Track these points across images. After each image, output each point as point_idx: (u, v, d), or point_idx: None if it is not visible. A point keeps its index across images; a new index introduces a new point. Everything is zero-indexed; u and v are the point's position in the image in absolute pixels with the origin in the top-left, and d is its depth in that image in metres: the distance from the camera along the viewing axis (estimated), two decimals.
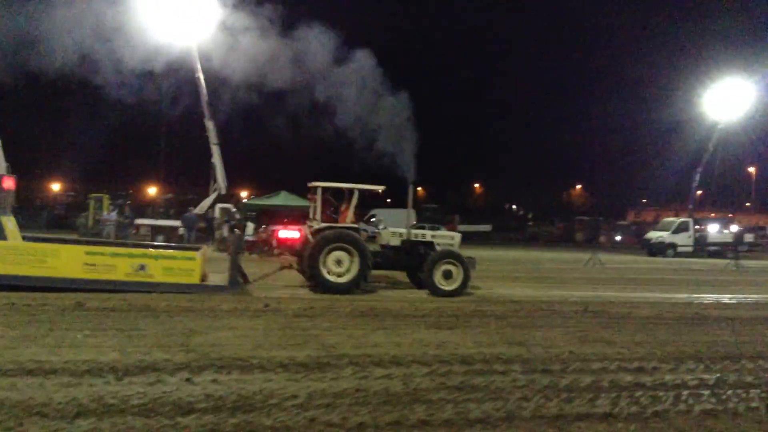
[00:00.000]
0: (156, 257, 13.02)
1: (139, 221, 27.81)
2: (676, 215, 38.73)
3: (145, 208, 38.11)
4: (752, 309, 13.81)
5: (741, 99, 34.18)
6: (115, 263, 12.66)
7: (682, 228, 34.19)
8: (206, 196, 29.07)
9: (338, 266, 13.94)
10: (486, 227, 46.47)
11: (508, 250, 34.68)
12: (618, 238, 45.01)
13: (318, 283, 13.93)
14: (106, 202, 29.30)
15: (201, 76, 25.35)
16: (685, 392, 6.89)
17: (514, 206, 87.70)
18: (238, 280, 13.45)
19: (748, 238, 37.94)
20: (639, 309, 12.89)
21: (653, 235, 35.12)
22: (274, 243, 21.46)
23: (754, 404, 6.58)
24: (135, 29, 16.91)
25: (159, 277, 12.66)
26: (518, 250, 35.38)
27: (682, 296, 15.68)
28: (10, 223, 13.18)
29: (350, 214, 14.84)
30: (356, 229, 14.48)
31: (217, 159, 27.99)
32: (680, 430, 5.74)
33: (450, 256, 14.80)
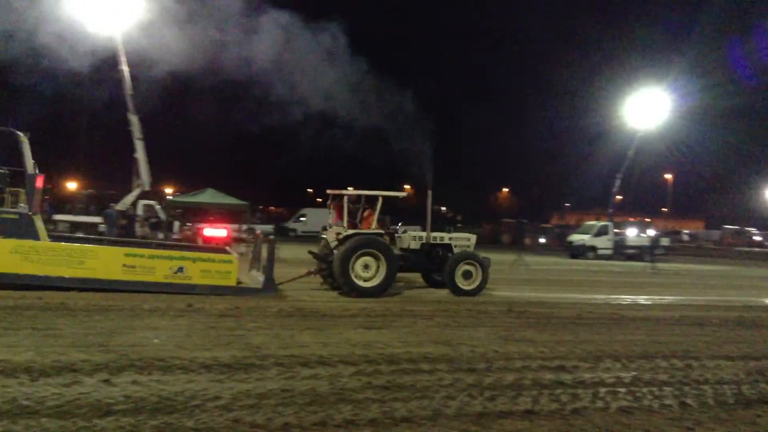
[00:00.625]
0: (194, 259, 13.10)
1: (58, 217, 26.73)
2: (597, 219, 40.03)
3: (65, 204, 36.64)
4: (667, 310, 14.39)
5: (658, 108, 35.70)
6: (154, 265, 12.71)
7: (602, 231, 35.41)
8: (129, 192, 28.20)
9: (366, 271, 14.27)
10: (415, 228, 46.95)
11: None
12: (542, 240, 46.26)
13: (348, 288, 14.06)
14: (23, 196, 27.99)
15: (125, 68, 24.54)
16: (603, 390, 7.11)
17: (443, 208, 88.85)
18: (273, 282, 13.53)
19: (664, 242, 39.71)
20: (561, 309, 13.27)
21: (575, 238, 36.24)
22: (200, 241, 21.05)
23: (667, 401, 6.83)
24: (56, 17, 16.26)
25: (196, 279, 12.81)
26: None
27: (602, 297, 16.21)
28: (39, 222, 12.93)
29: (375, 220, 15.15)
30: (381, 235, 14.87)
31: (140, 154, 27.14)
32: (598, 427, 5.91)
33: (469, 257, 15.61)
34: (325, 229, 16.44)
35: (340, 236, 14.56)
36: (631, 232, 36.71)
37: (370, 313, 11.39)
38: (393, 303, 12.64)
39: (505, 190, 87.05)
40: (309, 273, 15.35)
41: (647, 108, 35.46)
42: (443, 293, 15.10)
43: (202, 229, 20.95)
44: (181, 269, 12.79)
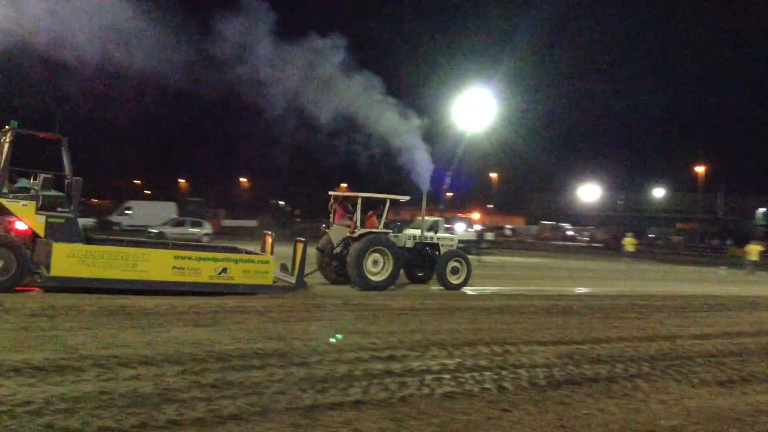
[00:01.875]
0: (236, 261, 13.73)
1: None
2: (430, 215, 41.58)
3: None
4: (490, 299, 15.27)
5: (485, 111, 37.68)
6: (200, 267, 13.25)
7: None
8: None
9: (375, 266, 15.79)
10: (252, 222, 46.19)
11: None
12: None
13: (361, 282, 15.50)
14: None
15: None
16: (429, 377, 7.39)
17: (281, 202, 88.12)
18: (304, 279, 14.58)
19: (489, 236, 42.12)
20: (393, 301, 13.63)
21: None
22: None
23: (487, 385, 7.24)
24: None
25: (238, 279, 13.46)
26: (285, 245, 35.47)
27: (432, 289, 16.84)
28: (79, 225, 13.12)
29: (382, 221, 16.90)
30: (387, 234, 16.63)
31: None
32: (423, 413, 6.13)
33: (456, 255, 17.53)
34: (327, 226, 17.64)
35: (355, 234, 16.07)
36: (460, 227, 38.52)
37: (201, 310, 11.01)
38: (226, 299, 12.30)
39: (344, 185, 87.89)
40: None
41: (475, 110, 37.30)
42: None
43: None
44: (225, 270, 13.43)
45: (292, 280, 14.51)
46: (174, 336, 8.81)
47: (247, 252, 14.98)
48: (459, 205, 63.06)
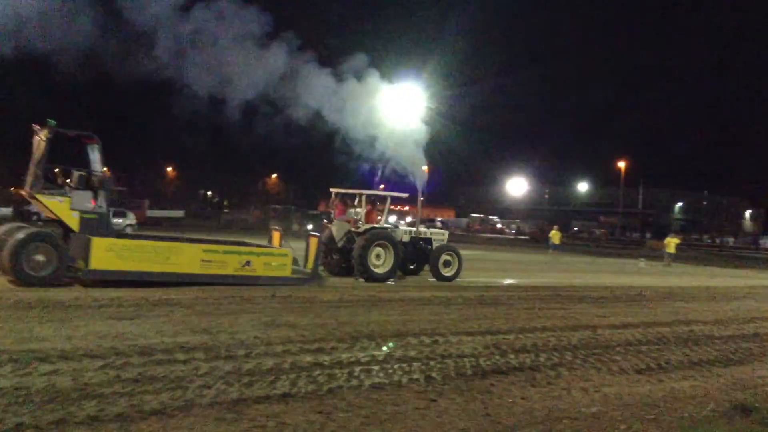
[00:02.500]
0: (258, 254, 14.68)
1: None
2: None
3: None
4: (419, 290, 15.39)
5: (416, 105, 37.88)
6: (226, 260, 13.97)
7: None
8: None
9: (377, 260, 16.76)
10: (178, 213, 45.20)
11: (201, 236, 34.03)
12: (310, 226, 46.94)
13: (365, 274, 16.53)
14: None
15: None
16: (358, 368, 7.40)
17: (209, 192, 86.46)
18: (319, 271, 15.84)
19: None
20: (324, 293, 13.58)
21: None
22: None
23: (415, 376, 7.30)
24: None
25: (260, 271, 14.29)
26: (213, 236, 34.84)
27: (362, 280, 16.84)
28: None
29: (384, 217, 18.17)
30: (388, 229, 17.69)
31: None
32: (351, 404, 6.13)
33: (448, 248, 18.68)
34: (329, 221, 18.95)
35: (360, 229, 17.13)
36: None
37: (123, 302, 10.68)
38: (150, 292, 11.96)
39: (274, 175, 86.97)
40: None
41: (406, 104, 37.46)
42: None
43: None
44: (248, 263, 14.19)
45: (306, 272, 15.55)
46: (95, 329, 8.52)
47: (266, 246, 16.10)
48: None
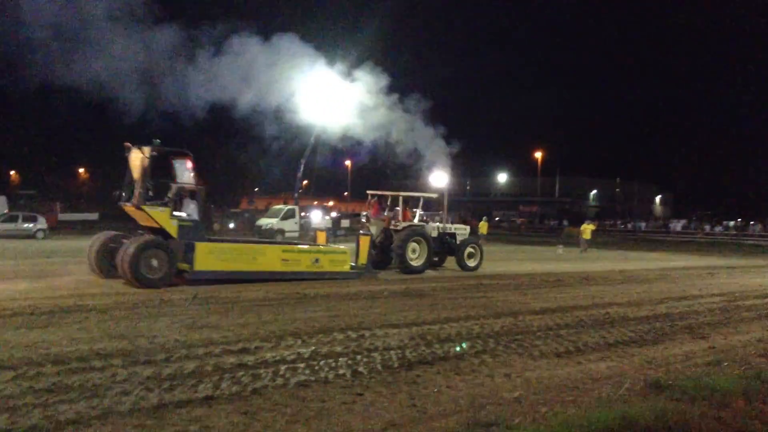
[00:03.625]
0: (324, 252, 16.76)
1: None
2: (285, 203, 41.26)
3: None
4: (344, 286, 15.32)
5: (338, 99, 37.76)
6: (300, 258, 16.14)
7: (289, 215, 36.60)
8: None
9: (413, 254, 18.94)
10: (93, 215, 43.60)
11: None
12: (231, 225, 46.14)
13: (403, 267, 18.74)
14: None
15: None
16: (284, 367, 7.31)
17: (124, 193, 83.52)
18: (371, 267, 17.90)
19: (345, 223, 42.51)
20: (247, 292, 13.35)
21: (263, 221, 36.90)
22: None
23: (342, 371, 7.28)
24: None
25: (326, 267, 16.40)
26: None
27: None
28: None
29: (417, 215, 20.19)
30: (423, 226, 19.73)
31: None
32: (276, 404, 6.05)
33: (471, 242, 21.03)
34: (367, 220, 20.77)
35: (398, 226, 19.29)
36: (316, 215, 38.56)
37: (35, 310, 10.21)
38: (63, 298, 11.49)
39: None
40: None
41: (328, 99, 37.27)
42: (122, 285, 14.15)
43: None
44: (317, 260, 16.33)
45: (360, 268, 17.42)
46: (5, 339, 8.14)
47: (329, 246, 18.19)
48: (315, 193, 63.02)
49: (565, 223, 70.81)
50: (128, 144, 14.74)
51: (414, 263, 18.88)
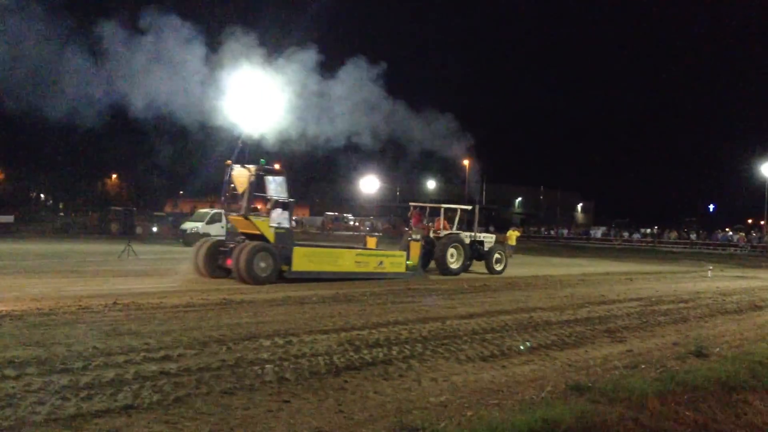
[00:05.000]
0: (386, 256, 19.65)
1: None
2: (211, 206, 40.44)
3: None
4: (273, 291, 15.13)
5: (264, 103, 37.28)
6: (369, 261, 18.87)
7: (215, 219, 35.79)
8: None
9: (452, 258, 21.75)
10: (8, 218, 41.67)
11: (36, 242, 31.63)
12: (154, 229, 44.94)
13: (444, 270, 21.48)
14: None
15: None
16: (208, 375, 7.15)
17: (42, 195, 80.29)
18: (421, 269, 20.78)
19: None
20: (170, 298, 12.99)
21: (188, 225, 35.98)
22: None
23: (268, 378, 7.18)
24: None
25: (388, 268, 19.13)
26: (48, 242, 32.48)
27: (213, 282, 16.35)
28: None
29: (456, 225, 23.10)
30: (459, 234, 22.61)
31: None
32: (199, 412, 5.91)
33: (498, 249, 23.92)
34: (409, 229, 23.67)
35: (440, 234, 22.36)
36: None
37: None
38: None
39: (114, 176, 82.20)
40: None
41: (253, 103, 36.75)
42: (44, 288, 13.54)
43: None
44: (381, 263, 19.12)
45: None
46: None
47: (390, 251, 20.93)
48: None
49: (491, 229, 72.23)
50: (230, 161, 17.46)
51: (452, 266, 21.61)
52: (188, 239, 34.66)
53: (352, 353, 8.65)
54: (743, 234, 61.39)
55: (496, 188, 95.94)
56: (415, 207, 24.60)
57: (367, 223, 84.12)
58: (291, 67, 19.66)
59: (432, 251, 21.90)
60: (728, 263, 38.12)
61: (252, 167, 17.04)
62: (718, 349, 10.06)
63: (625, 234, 66.58)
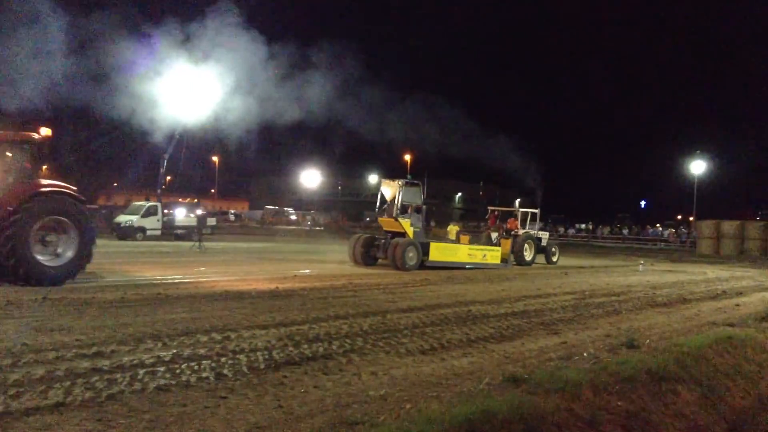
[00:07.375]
0: (488, 250, 24.66)
1: None
2: (147, 199, 39.50)
3: None
4: (210, 286, 14.92)
5: (203, 96, 36.53)
6: (476, 253, 23.98)
7: (151, 212, 35.08)
8: None
9: (526, 252, 27.11)
10: None
11: None
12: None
13: (520, 261, 26.74)
14: None
15: None
16: (142, 371, 6.98)
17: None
18: (509, 260, 25.73)
19: (211, 221, 41.29)
20: (103, 293, 12.65)
21: (123, 218, 35.12)
22: None
23: (204, 374, 7.05)
24: None
25: (489, 260, 24.10)
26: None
27: (147, 277, 16.02)
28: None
29: (527, 224, 29.27)
30: (530, 232, 28.57)
31: None
32: (133, 409, 5.76)
33: (553, 244, 29.97)
34: (488, 228, 29.83)
35: (518, 232, 27.99)
36: (180, 213, 37.22)
37: None
38: None
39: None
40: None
41: (190, 95, 35.98)
42: None
43: None
44: (485, 255, 24.11)
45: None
46: None
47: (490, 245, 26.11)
48: (180, 190, 60.78)
49: (433, 224, 72.86)
50: (380, 179, 23.81)
51: (527, 258, 27.03)
52: (122, 233, 33.83)
53: (291, 348, 8.58)
54: (673, 230, 63.78)
55: (438, 183, 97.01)
56: (493, 210, 31.07)
57: (308, 217, 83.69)
58: (230, 56, 19.34)
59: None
60: (658, 258, 39.52)
61: (401, 181, 22.47)
62: (648, 340, 10.40)
63: (561, 229, 68.17)
